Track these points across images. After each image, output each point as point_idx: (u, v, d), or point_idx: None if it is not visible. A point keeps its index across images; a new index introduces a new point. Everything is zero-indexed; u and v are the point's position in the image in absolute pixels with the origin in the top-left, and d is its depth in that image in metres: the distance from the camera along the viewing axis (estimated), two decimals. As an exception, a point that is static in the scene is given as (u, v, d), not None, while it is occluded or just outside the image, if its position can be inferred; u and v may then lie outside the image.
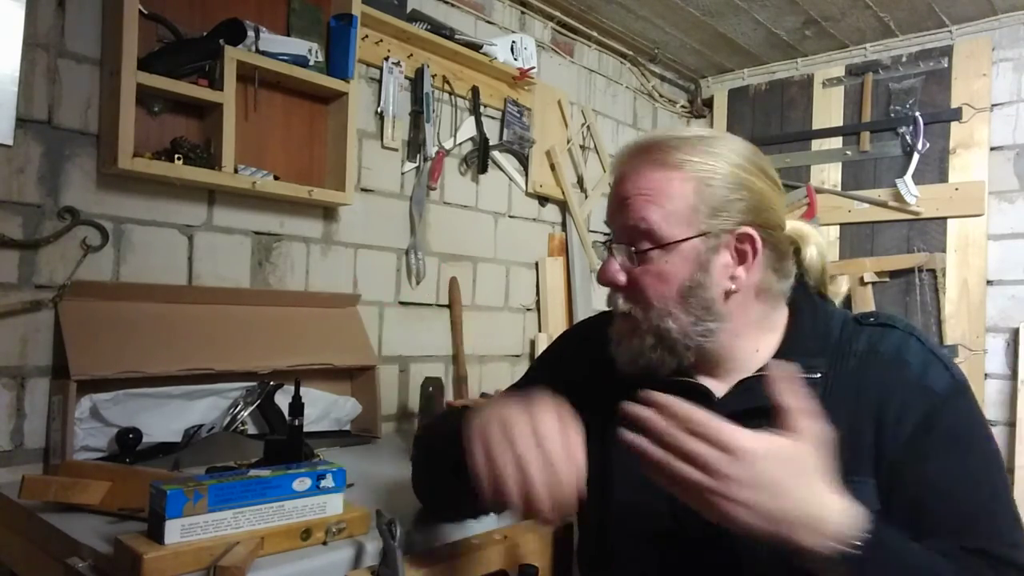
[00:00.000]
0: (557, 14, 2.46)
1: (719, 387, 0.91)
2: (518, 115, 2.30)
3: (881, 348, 0.87)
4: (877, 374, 0.86)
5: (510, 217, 2.33)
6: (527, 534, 1.08)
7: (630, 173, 0.89)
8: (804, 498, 0.68)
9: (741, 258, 0.88)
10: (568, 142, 2.51)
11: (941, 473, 0.81)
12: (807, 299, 0.94)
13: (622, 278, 0.89)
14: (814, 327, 0.91)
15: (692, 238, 0.86)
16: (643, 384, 0.88)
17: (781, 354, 0.89)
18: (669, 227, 0.86)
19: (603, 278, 0.90)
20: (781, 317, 0.93)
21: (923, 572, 0.71)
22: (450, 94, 2.11)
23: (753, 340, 0.91)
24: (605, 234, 0.97)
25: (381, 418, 1.77)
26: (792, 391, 0.71)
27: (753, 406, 0.84)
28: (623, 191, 0.89)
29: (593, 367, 0.99)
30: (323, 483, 0.95)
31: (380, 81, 1.92)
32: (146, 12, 1.43)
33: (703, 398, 0.89)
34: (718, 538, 0.83)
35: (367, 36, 1.86)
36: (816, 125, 2.80)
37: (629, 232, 0.88)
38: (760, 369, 0.89)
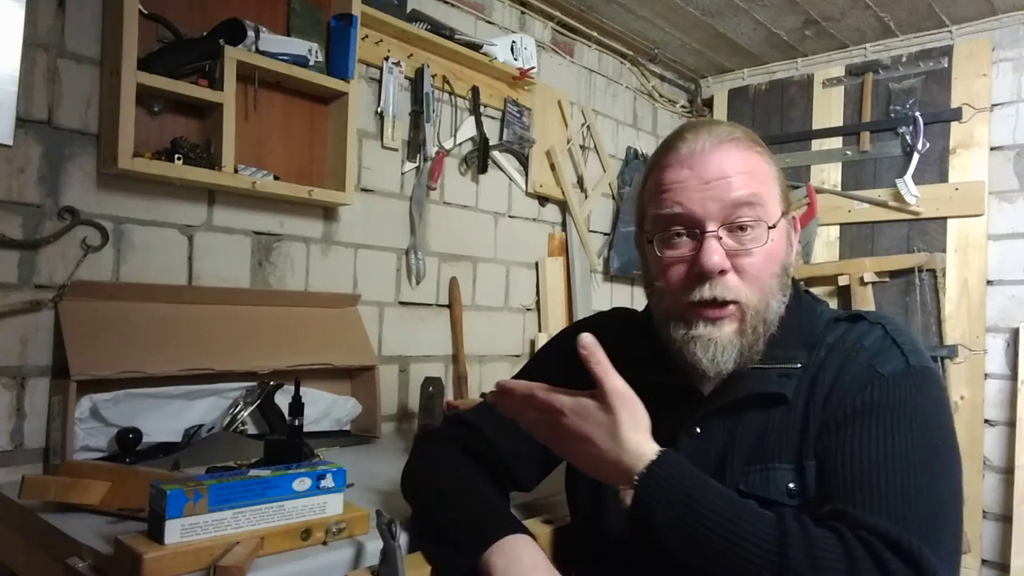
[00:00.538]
0: (557, 14, 2.46)
1: (707, 385, 0.92)
2: (518, 115, 2.30)
3: (847, 338, 0.88)
4: (835, 361, 0.87)
5: (510, 217, 2.33)
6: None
7: (717, 153, 0.85)
8: (603, 443, 0.77)
9: (791, 241, 0.91)
10: (568, 142, 2.51)
11: (854, 442, 0.79)
12: (798, 296, 0.95)
13: (728, 263, 0.84)
14: (803, 322, 0.92)
15: (784, 215, 0.88)
16: (642, 382, 0.90)
17: (771, 346, 0.89)
18: (774, 204, 0.87)
19: (710, 263, 0.82)
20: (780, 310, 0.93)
21: (700, 501, 0.75)
22: (450, 94, 2.11)
23: None
24: (667, 223, 0.88)
25: (381, 418, 1.77)
26: (596, 359, 0.77)
27: (737, 398, 0.88)
28: (718, 169, 0.84)
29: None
30: (323, 483, 0.95)
31: (380, 81, 1.92)
32: (146, 12, 1.43)
33: (691, 396, 0.92)
34: None
35: (367, 36, 1.86)
36: (816, 125, 2.80)
37: (734, 209, 0.83)
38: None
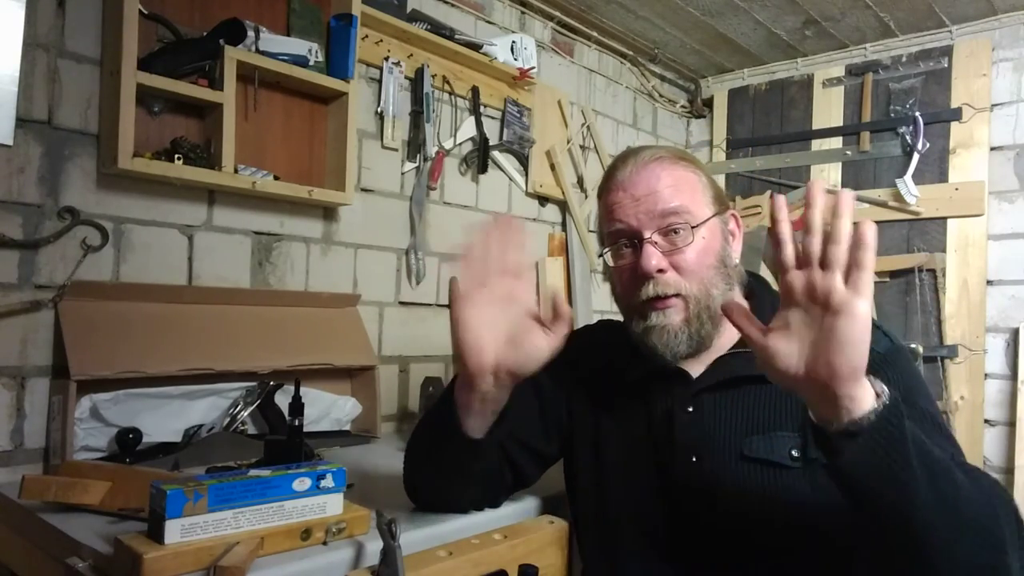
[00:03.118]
0: (557, 14, 2.46)
1: (696, 369, 1.02)
2: (518, 115, 2.30)
3: None
4: None
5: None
6: (527, 534, 1.09)
7: (642, 173, 0.99)
8: (859, 364, 0.69)
9: (733, 235, 1.05)
10: (568, 142, 2.51)
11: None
12: (760, 285, 1.07)
13: (665, 263, 0.97)
14: (772, 305, 0.97)
15: (715, 215, 1.01)
16: (630, 377, 1.06)
17: None
18: (699, 208, 0.99)
19: (648, 266, 0.95)
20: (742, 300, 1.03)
21: (923, 453, 0.71)
22: (450, 94, 2.11)
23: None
24: (613, 237, 1.03)
25: (381, 418, 1.77)
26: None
27: (726, 377, 0.99)
28: (646, 187, 0.98)
29: (590, 370, 1.12)
30: (323, 483, 0.95)
31: (380, 81, 1.92)
32: (146, 12, 1.43)
33: (683, 381, 1.02)
34: (704, 499, 0.95)
35: (367, 36, 1.86)
36: (816, 125, 2.80)
37: (662, 218, 0.97)
38: (732, 348, 1.01)
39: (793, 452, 0.92)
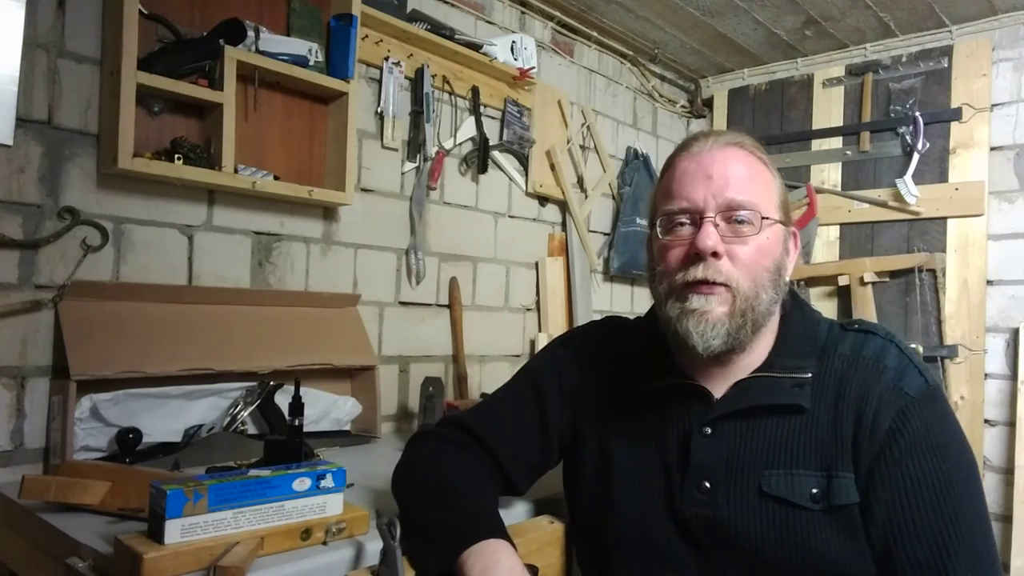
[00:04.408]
0: (557, 14, 2.46)
1: (717, 389, 0.96)
2: (518, 115, 2.30)
3: (864, 352, 0.93)
4: (859, 376, 0.91)
5: (510, 217, 2.33)
6: (527, 534, 1.09)
7: (722, 153, 0.93)
8: None
9: (789, 252, 0.98)
10: (568, 142, 2.50)
11: (917, 473, 0.86)
12: (796, 304, 1.00)
13: (723, 248, 0.90)
14: (803, 330, 0.98)
15: (781, 222, 0.95)
16: (643, 388, 0.99)
17: (774, 354, 0.95)
18: (769, 208, 0.93)
19: (705, 244, 0.89)
20: (775, 323, 0.98)
21: None
22: (450, 94, 2.11)
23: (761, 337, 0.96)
24: (672, 211, 0.96)
25: (381, 418, 1.77)
26: None
27: (748, 405, 0.93)
28: (722, 167, 0.92)
29: (600, 377, 1.05)
30: (323, 483, 0.95)
31: (380, 81, 1.92)
32: (146, 12, 1.43)
33: (703, 399, 0.95)
34: (715, 528, 0.91)
35: (367, 36, 1.86)
36: (816, 125, 2.80)
37: (730, 204, 0.91)
38: (756, 370, 0.95)
39: (814, 491, 0.88)
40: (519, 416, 1.06)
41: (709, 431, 0.94)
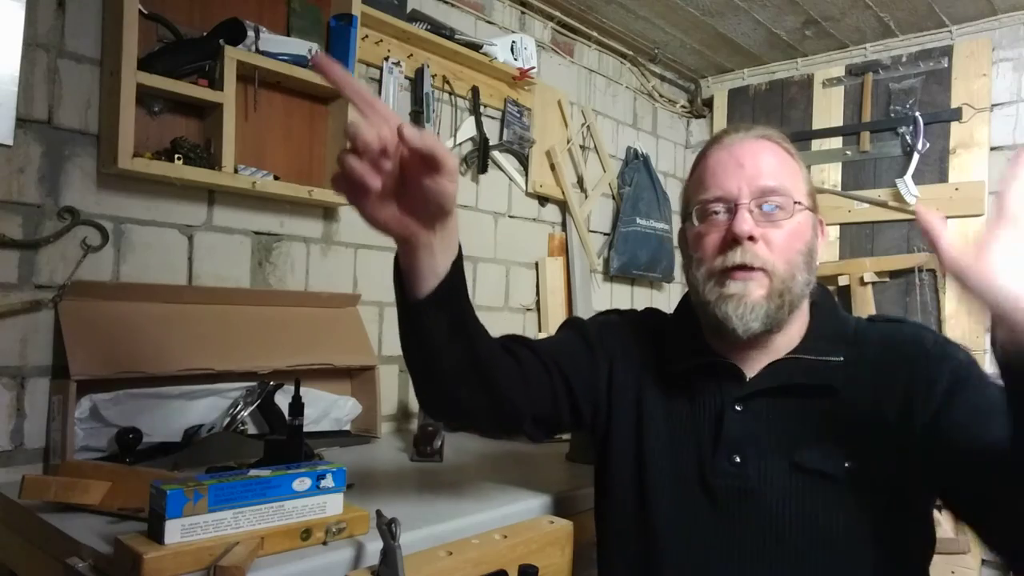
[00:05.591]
0: (557, 14, 2.46)
1: (750, 369, 1.00)
2: (518, 115, 2.30)
3: (899, 338, 0.98)
4: (900, 357, 0.94)
5: (510, 217, 2.33)
6: (527, 533, 1.09)
7: (752, 145, 0.98)
8: None
9: (818, 236, 1.02)
10: (568, 142, 2.50)
11: (984, 397, 0.87)
12: (825, 295, 1.04)
13: (758, 232, 0.94)
14: (832, 320, 1.02)
15: (811, 209, 0.99)
16: (678, 367, 1.04)
17: (806, 340, 1.00)
18: (799, 194, 0.97)
19: (741, 229, 0.92)
20: (806, 308, 1.01)
21: None
22: (450, 94, 2.11)
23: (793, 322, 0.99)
24: (706, 200, 0.98)
25: (381, 418, 1.77)
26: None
27: (781, 383, 0.96)
28: (753, 157, 0.97)
29: (639, 348, 1.09)
30: (323, 483, 0.95)
31: (380, 81, 1.92)
32: (146, 12, 1.43)
33: (735, 378, 1.00)
34: (745, 499, 0.94)
35: (367, 36, 1.86)
36: (816, 125, 2.80)
37: (762, 191, 0.95)
38: (789, 353, 0.99)
39: (846, 464, 0.91)
40: (570, 351, 1.08)
41: (740, 408, 0.98)
